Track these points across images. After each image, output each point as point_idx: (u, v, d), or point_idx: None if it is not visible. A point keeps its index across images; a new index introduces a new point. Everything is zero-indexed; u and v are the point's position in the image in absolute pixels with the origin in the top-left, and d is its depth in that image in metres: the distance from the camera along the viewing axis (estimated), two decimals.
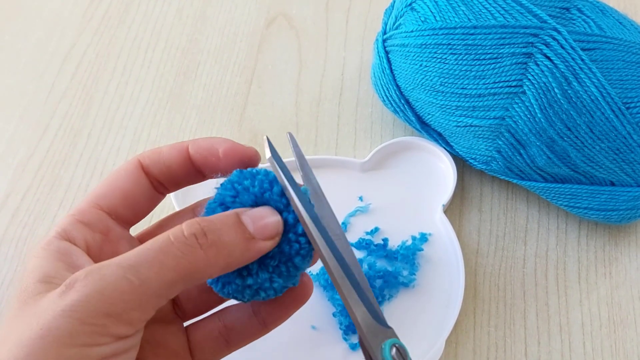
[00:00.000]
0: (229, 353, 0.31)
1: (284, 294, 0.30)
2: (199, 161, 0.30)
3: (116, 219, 0.29)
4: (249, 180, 0.28)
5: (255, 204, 0.28)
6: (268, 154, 0.28)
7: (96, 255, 0.28)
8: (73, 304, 0.23)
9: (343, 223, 0.42)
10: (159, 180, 0.30)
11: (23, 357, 0.22)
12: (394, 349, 0.26)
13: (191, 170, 0.30)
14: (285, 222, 0.27)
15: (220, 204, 0.28)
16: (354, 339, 0.38)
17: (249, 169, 0.29)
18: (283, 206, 0.28)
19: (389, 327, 0.27)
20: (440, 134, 0.43)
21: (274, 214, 0.27)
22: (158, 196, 0.31)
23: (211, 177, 0.31)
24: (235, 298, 0.28)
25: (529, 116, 0.37)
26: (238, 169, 0.29)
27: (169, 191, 0.31)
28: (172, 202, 0.43)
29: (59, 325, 0.22)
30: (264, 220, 0.27)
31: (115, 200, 0.29)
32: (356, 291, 0.26)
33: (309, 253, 0.28)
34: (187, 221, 0.25)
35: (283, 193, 0.28)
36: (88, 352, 0.23)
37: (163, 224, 0.31)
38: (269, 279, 0.28)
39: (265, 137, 0.29)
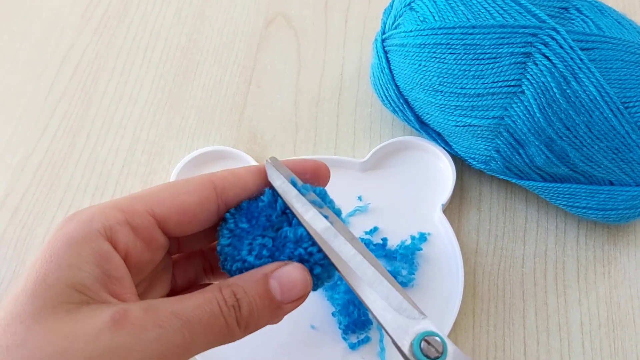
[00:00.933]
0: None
1: None
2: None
3: (162, 229, 0.27)
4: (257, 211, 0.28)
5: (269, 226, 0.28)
6: (270, 177, 0.28)
7: (134, 263, 0.26)
8: (130, 344, 0.22)
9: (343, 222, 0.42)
10: (230, 201, 0.28)
11: None
12: (424, 342, 0.25)
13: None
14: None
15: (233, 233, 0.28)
16: (353, 339, 0.38)
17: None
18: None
19: (419, 316, 0.26)
20: (439, 134, 0.43)
21: (302, 272, 0.26)
22: (214, 219, 0.28)
23: None
24: None
25: (527, 116, 0.37)
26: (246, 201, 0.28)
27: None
28: None
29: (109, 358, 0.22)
30: (292, 282, 0.26)
31: (172, 213, 0.27)
32: (373, 288, 0.26)
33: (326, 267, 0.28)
34: (224, 290, 0.25)
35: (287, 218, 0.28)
36: None
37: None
38: None
39: (265, 162, 0.28)
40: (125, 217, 0.26)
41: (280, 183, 0.28)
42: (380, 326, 0.25)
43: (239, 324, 0.25)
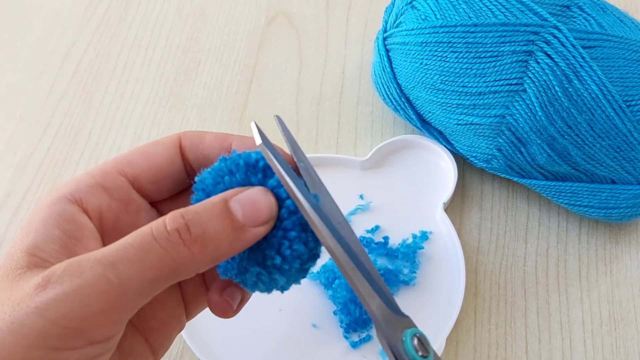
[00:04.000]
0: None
1: None
2: None
3: (137, 190, 0.27)
4: (233, 165, 0.26)
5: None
6: (258, 140, 0.26)
7: (111, 225, 0.26)
8: (48, 302, 0.21)
9: None
10: (193, 166, 0.28)
11: None
12: (415, 339, 0.24)
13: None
14: (286, 207, 0.25)
15: (202, 189, 0.26)
16: (355, 337, 0.38)
17: (235, 154, 0.26)
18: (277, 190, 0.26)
19: (406, 316, 0.25)
20: (440, 132, 0.43)
21: (266, 195, 0.25)
22: (186, 181, 0.28)
23: None
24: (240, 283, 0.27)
25: (529, 114, 0.37)
26: (222, 156, 0.27)
27: None
28: None
29: (31, 323, 0.21)
30: (256, 204, 0.24)
31: (143, 171, 0.27)
32: (368, 282, 0.25)
33: (316, 246, 0.27)
34: (170, 213, 0.23)
35: (272, 174, 0.26)
36: (56, 355, 0.21)
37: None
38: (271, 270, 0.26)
39: (252, 123, 0.27)
40: (96, 180, 0.26)
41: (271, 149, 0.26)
42: (372, 317, 0.25)
43: (189, 246, 0.23)
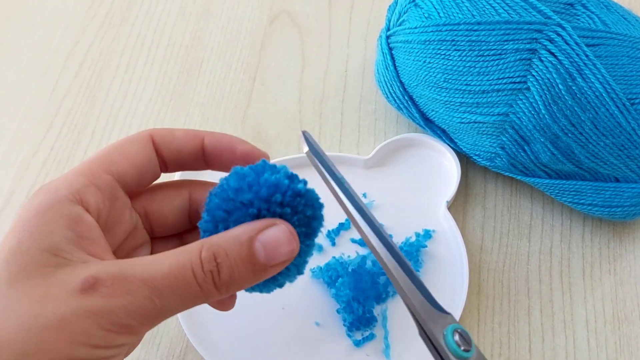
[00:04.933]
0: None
1: None
2: (213, 155, 0.30)
3: (122, 187, 0.29)
4: (254, 184, 0.27)
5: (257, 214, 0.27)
6: (305, 148, 0.28)
7: (102, 223, 0.27)
8: (98, 309, 0.23)
9: (347, 220, 0.42)
10: (165, 160, 0.30)
11: (34, 344, 0.22)
12: (457, 335, 0.25)
13: (200, 160, 0.30)
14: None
15: (222, 209, 0.27)
16: (358, 336, 0.38)
17: (248, 168, 0.27)
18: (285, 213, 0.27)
19: (448, 313, 0.26)
20: (444, 131, 0.43)
21: (290, 241, 0.26)
22: (159, 173, 0.31)
23: (214, 170, 0.31)
24: None
25: (533, 112, 0.37)
26: (235, 168, 0.27)
27: (169, 172, 0.31)
28: None
29: (79, 323, 0.23)
30: (278, 247, 0.26)
31: (126, 168, 0.28)
32: (411, 279, 0.26)
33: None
34: (204, 253, 0.25)
35: (281, 201, 0.27)
36: (96, 352, 0.23)
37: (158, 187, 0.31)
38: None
39: (301, 133, 0.29)
40: (89, 180, 0.27)
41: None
42: (412, 314, 0.26)
43: (218, 287, 0.25)
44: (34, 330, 0.22)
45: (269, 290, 0.29)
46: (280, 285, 0.29)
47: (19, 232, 0.24)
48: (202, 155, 0.30)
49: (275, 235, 0.26)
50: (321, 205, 0.28)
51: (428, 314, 0.26)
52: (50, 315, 0.22)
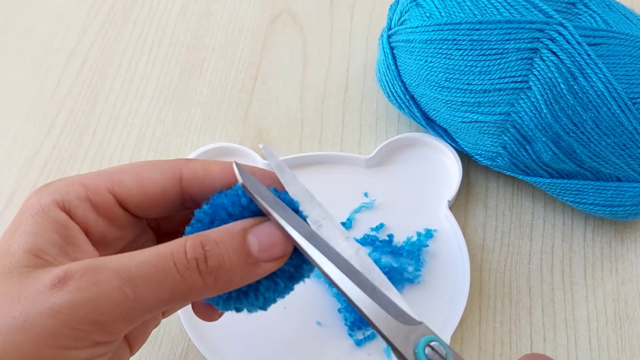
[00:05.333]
0: None
1: None
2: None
3: (124, 209, 0.27)
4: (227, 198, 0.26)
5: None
6: (240, 180, 0.25)
7: (97, 238, 0.26)
8: (63, 305, 0.22)
9: (348, 219, 0.42)
10: (194, 197, 0.27)
11: (0, 345, 0.21)
12: (428, 348, 0.24)
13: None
14: None
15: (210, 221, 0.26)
16: (360, 335, 0.38)
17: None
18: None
19: (419, 323, 0.25)
20: (445, 130, 0.43)
21: (286, 238, 0.25)
22: (179, 208, 0.28)
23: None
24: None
25: (534, 112, 0.37)
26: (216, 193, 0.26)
27: (191, 209, 0.28)
28: None
29: (44, 323, 0.21)
30: (272, 240, 0.25)
31: (132, 196, 0.26)
32: (371, 297, 0.24)
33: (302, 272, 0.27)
34: (191, 240, 0.24)
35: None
36: (65, 354, 0.22)
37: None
38: (259, 295, 0.27)
39: (233, 163, 0.26)
40: (86, 193, 0.26)
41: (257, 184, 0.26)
42: (380, 334, 0.24)
43: (204, 277, 0.24)
44: (1, 330, 0.21)
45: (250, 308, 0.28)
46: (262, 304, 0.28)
47: (11, 233, 0.24)
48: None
49: (270, 230, 0.25)
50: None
51: (394, 330, 0.24)
52: (17, 316, 0.22)
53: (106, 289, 0.22)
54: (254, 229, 0.25)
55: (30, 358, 0.21)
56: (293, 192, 0.27)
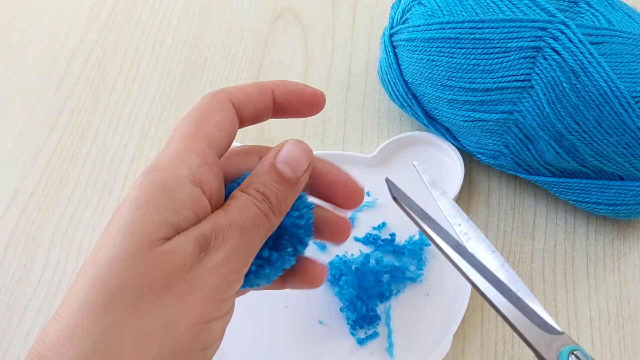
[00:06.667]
0: None
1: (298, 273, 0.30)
2: (284, 104, 0.30)
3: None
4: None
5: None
6: (392, 194, 0.29)
7: (213, 205, 0.27)
8: (217, 262, 0.24)
9: (350, 218, 0.42)
10: (243, 120, 0.30)
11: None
12: (572, 357, 0.25)
13: (269, 112, 0.30)
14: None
15: None
16: (361, 334, 0.38)
17: None
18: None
19: (562, 333, 0.26)
20: (447, 129, 0.43)
21: (302, 149, 0.28)
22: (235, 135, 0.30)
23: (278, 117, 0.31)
24: None
25: (537, 111, 0.37)
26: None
27: (240, 127, 0.30)
28: None
29: (207, 282, 0.24)
30: (295, 157, 0.27)
31: (223, 141, 0.28)
32: (515, 306, 0.26)
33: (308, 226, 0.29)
34: (249, 190, 0.27)
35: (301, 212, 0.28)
36: (220, 307, 0.25)
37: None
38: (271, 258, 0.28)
39: (385, 179, 0.30)
40: (201, 159, 0.27)
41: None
42: (524, 340, 0.26)
43: (274, 212, 0.27)
44: (170, 298, 0.23)
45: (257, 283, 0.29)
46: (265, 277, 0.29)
47: (144, 205, 0.24)
48: (271, 107, 0.30)
49: (288, 150, 0.27)
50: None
51: (538, 338, 0.26)
52: (182, 282, 0.23)
53: (233, 241, 0.25)
54: (277, 158, 0.27)
55: (199, 316, 0.24)
56: (444, 206, 0.31)
